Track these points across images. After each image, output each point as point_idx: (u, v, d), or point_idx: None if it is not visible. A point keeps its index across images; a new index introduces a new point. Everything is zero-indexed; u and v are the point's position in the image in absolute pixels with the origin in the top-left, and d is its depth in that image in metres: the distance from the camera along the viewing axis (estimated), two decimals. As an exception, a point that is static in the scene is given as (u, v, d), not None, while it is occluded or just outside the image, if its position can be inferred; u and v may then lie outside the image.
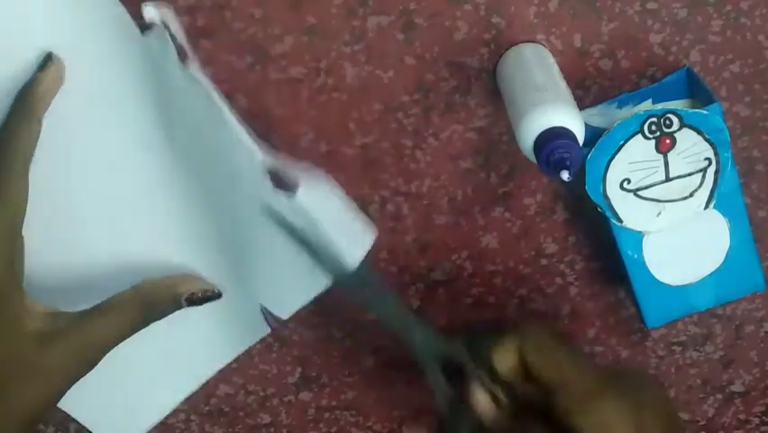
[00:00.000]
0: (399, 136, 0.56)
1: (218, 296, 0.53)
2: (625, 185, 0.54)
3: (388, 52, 0.54)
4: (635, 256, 0.56)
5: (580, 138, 0.48)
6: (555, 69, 0.52)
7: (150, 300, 0.52)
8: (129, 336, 0.51)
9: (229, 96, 0.55)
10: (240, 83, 0.54)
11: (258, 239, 0.53)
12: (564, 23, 0.54)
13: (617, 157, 0.53)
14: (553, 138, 0.46)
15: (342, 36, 0.53)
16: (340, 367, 0.64)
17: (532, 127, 0.47)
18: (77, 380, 0.51)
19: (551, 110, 0.47)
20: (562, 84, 0.51)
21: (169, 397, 0.61)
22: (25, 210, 0.49)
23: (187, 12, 0.52)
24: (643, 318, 0.59)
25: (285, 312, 0.56)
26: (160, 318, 0.52)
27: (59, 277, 0.55)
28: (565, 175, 0.46)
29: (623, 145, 0.52)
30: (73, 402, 0.58)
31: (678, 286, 0.57)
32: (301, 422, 0.66)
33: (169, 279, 0.53)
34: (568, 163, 0.46)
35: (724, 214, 0.56)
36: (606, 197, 0.54)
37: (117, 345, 0.51)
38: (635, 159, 0.53)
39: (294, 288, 0.55)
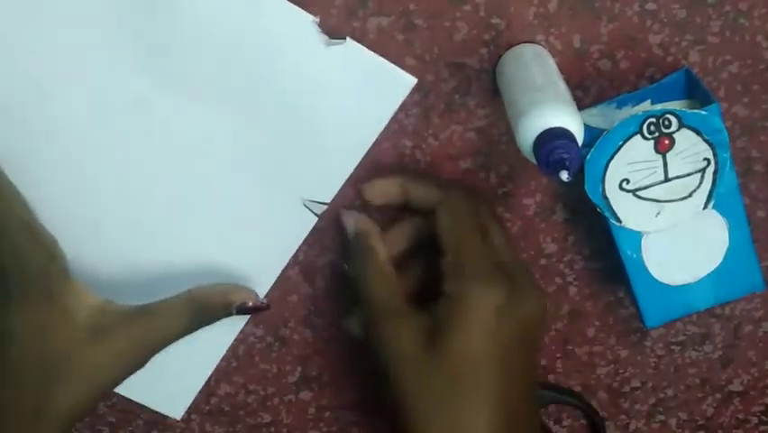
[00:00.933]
0: (399, 136, 0.57)
1: (266, 307, 0.55)
2: (624, 185, 0.54)
3: (388, 53, 0.54)
4: (635, 256, 0.56)
5: (580, 138, 0.48)
6: (555, 69, 0.52)
7: (202, 306, 0.52)
8: (176, 339, 0.52)
9: (229, 97, 0.55)
10: (240, 83, 0.55)
11: (290, 132, 0.55)
12: (564, 23, 0.54)
13: (615, 157, 0.53)
14: (553, 138, 0.46)
15: (343, 37, 0.53)
16: (340, 367, 0.64)
17: (531, 128, 0.47)
18: (123, 380, 0.50)
19: (550, 111, 0.47)
20: (562, 84, 0.51)
21: (221, 340, 0.62)
22: (16, 196, 0.49)
23: (188, 12, 0.52)
24: (642, 318, 0.59)
25: (327, 196, 0.57)
26: (208, 324, 0.53)
27: (103, 262, 0.56)
28: (564, 175, 0.46)
29: (622, 146, 0.53)
30: None
31: (677, 286, 0.57)
32: (301, 421, 0.66)
33: (221, 287, 0.55)
34: (567, 164, 0.46)
35: (723, 214, 0.56)
36: (605, 197, 0.54)
37: (165, 347, 0.51)
38: (634, 159, 0.53)
39: (329, 171, 0.56)
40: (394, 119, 0.56)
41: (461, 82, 0.55)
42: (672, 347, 0.65)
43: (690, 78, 0.55)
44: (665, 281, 0.57)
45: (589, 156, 0.53)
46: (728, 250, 0.57)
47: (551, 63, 0.53)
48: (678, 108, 0.52)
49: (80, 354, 0.48)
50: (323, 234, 0.59)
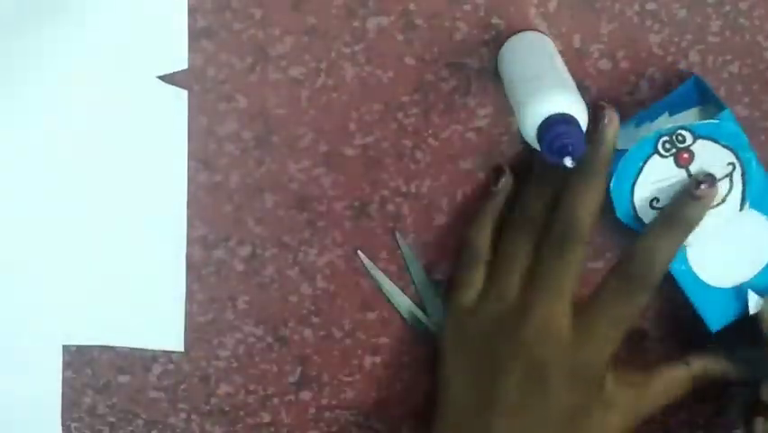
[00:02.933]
0: (399, 136, 0.57)
1: None
2: (654, 204, 0.53)
3: (388, 53, 0.54)
4: (683, 268, 0.56)
5: (584, 123, 0.47)
6: (557, 56, 0.52)
7: None
8: None
9: (229, 97, 0.55)
10: (240, 83, 0.55)
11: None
12: (564, 23, 0.54)
13: (639, 180, 0.53)
14: (556, 125, 0.46)
15: (343, 37, 0.53)
16: (340, 367, 0.64)
17: (534, 114, 0.47)
18: None
19: (553, 97, 0.47)
20: (564, 70, 0.50)
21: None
22: None
23: (188, 12, 0.52)
24: (706, 324, 0.57)
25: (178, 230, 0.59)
26: None
27: None
28: (568, 162, 0.46)
29: (643, 167, 0.52)
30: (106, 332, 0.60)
31: (732, 287, 0.57)
32: (301, 422, 0.66)
33: None
34: (571, 150, 0.45)
35: (761, 210, 0.55)
36: (639, 219, 0.54)
37: None
38: (657, 178, 0.53)
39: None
40: (393, 119, 0.56)
41: (460, 82, 0.55)
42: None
43: (700, 85, 0.55)
44: (720, 285, 0.57)
45: (612, 183, 0.52)
46: None
47: (553, 50, 0.53)
48: (692, 118, 0.52)
49: None
50: (323, 233, 0.59)
